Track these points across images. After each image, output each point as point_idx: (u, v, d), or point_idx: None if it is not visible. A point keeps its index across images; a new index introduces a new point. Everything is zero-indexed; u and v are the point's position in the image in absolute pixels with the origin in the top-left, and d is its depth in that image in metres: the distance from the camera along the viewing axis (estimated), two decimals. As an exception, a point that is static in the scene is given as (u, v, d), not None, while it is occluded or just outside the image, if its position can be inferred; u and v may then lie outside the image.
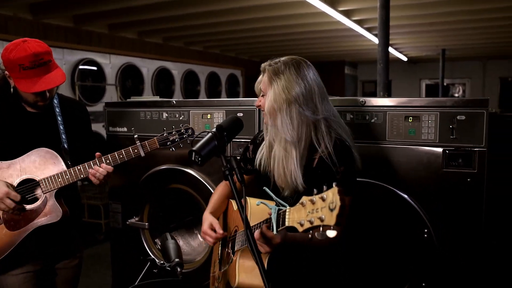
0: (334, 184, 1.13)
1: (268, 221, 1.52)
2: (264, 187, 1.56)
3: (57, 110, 2.30)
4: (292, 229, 1.31)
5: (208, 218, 1.92)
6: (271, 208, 1.41)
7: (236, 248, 1.78)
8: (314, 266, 1.80)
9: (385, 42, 3.99)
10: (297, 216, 1.25)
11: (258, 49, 10.39)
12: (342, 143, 1.70)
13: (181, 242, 2.98)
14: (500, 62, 12.11)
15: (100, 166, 2.16)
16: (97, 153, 2.22)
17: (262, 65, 1.78)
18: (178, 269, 1.47)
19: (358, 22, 6.79)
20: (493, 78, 12.31)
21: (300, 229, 1.22)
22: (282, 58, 1.75)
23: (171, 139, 2.28)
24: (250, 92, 7.23)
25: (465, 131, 2.06)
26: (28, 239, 2.13)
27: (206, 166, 2.57)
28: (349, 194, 1.67)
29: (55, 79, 2.09)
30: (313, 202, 1.18)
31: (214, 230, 1.86)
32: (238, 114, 2.46)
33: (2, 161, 2.13)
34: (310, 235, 1.18)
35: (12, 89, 2.14)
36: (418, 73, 13.02)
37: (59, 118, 2.29)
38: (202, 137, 1.55)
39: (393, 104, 2.21)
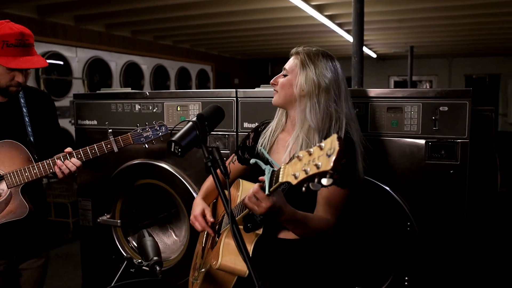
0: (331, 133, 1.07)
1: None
2: (260, 147, 1.51)
3: (22, 101, 2.17)
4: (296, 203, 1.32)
5: (200, 204, 1.88)
6: (264, 168, 1.34)
7: (222, 230, 1.74)
8: (304, 254, 1.74)
9: (360, 35, 3.99)
10: (293, 169, 1.18)
11: (228, 44, 10.30)
12: (348, 139, 1.68)
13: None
14: (465, 60, 12.41)
15: (70, 160, 2.05)
16: (68, 148, 2.11)
17: (294, 49, 1.79)
18: (157, 268, 1.38)
19: (330, 17, 6.78)
20: (458, 75, 12.59)
21: (294, 181, 1.15)
22: (314, 47, 1.78)
23: (144, 135, 2.23)
24: (221, 87, 7.13)
25: (448, 123, 2.03)
26: (-9, 237, 2.00)
27: (181, 160, 2.48)
28: (346, 187, 1.62)
29: (37, 61, 2.02)
30: (310, 154, 1.11)
31: (205, 217, 1.82)
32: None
33: None
34: (304, 188, 1.12)
35: None
36: (386, 69, 13.19)
37: (24, 110, 2.16)
38: (181, 127, 1.46)
39: (375, 95, 2.16)
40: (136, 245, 2.77)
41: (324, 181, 1.05)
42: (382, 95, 2.15)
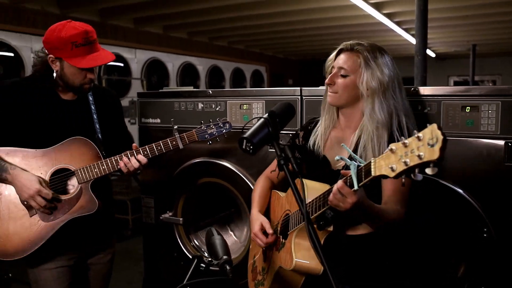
0: (428, 125, 1.06)
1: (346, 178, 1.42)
2: (342, 144, 1.50)
3: (90, 98, 2.23)
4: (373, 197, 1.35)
5: (258, 218, 1.88)
6: (350, 164, 1.33)
7: (290, 230, 1.73)
8: (374, 249, 1.73)
9: (423, 33, 3.84)
10: (386, 163, 1.18)
11: (282, 45, 10.27)
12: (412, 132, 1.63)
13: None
14: (532, 58, 11.74)
15: (136, 157, 2.08)
16: (134, 144, 2.14)
17: (348, 44, 1.76)
18: (227, 267, 1.35)
19: (389, 16, 6.60)
20: (524, 75, 11.94)
21: (392, 174, 1.15)
22: (365, 41, 1.77)
23: (209, 132, 2.22)
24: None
25: (530, 122, 1.89)
26: (62, 232, 2.05)
27: (243, 158, 2.46)
28: None
29: (106, 56, 2.07)
30: (405, 145, 1.10)
31: (264, 232, 1.82)
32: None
33: (37, 150, 2.06)
34: (403, 179, 1.14)
35: (54, 74, 2.06)
36: (446, 69, 12.68)
37: (92, 107, 2.22)
38: (251, 125, 1.43)
39: (448, 92, 2.05)
40: (197, 243, 2.78)
41: (429, 170, 1.05)
42: (457, 93, 2.03)
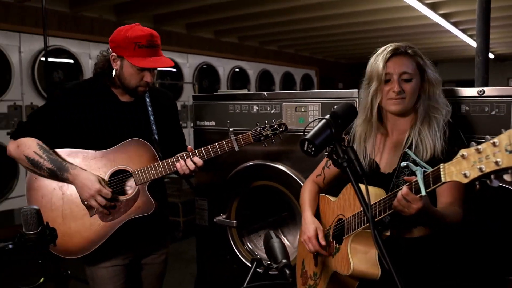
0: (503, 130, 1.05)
1: (410, 184, 1.43)
2: (406, 150, 1.54)
3: (147, 100, 2.26)
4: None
5: (313, 223, 1.88)
6: (415, 170, 1.33)
7: (346, 235, 1.71)
8: (435, 251, 1.72)
9: (485, 32, 3.64)
10: (458, 169, 1.18)
11: (333, 48, 10.16)
12: (452, 126, 1.71)
13: (261, 242, 2.84)
14: None
15: (192, 159, 2.09)
16: (190, 147, 2.15)
17: (400, 47, 1.72)
18: (287, 271, 1.32)
19: (445, 16, 6.37)
20: None
21: (465, 180, 1.15)
22: (403, 43, 1.76)
23: (264, 134, 2.20)
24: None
25: None
26: (119, 232, 2.09)
27: (299, 162, 2.42)
28: None
29: (165, 61, 2.09)
30: (479, 151, 1.10)
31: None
32: (335, 107, 2.28)
33: (96, 151, 2.11)
34: (478, 186, 1.14)
35: (113, 73, 2.11)
36: (506, 71, 12.12)
37: (149, 109, 2.25)
38: (312, 127, 1.40)
39: (518, 93, 1.93)
40: (250, 247, 2.77)
41: (508, 177, 1.05)
42: (528, 94, 1.91)
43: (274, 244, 1.44)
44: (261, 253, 2.75)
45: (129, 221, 2.09)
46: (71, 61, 5.73)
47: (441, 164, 1.25)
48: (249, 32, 7.99)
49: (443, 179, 1.24)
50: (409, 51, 1.71)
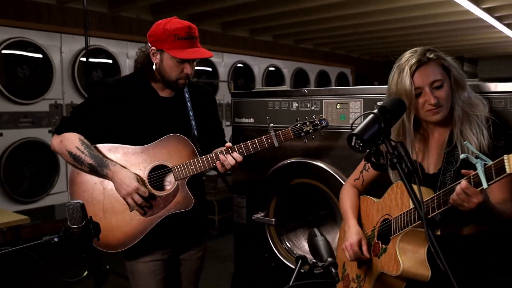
0: None
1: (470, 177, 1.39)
2: (465, 143, 1.54)
3: (187, 95, 2.26)
4: None
5: (358, 233, 1.86)
6: (476, 163, 1.30)
7: (393, 235, 1.68)
8: (483, 248, 1.67)
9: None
10: None
11: (368, 46, 10.00)
12: (493, 120, 1.67)
13: (299, 241, 2.79)
14: None
15: (232, 155, 2.07)
16: (228, 143, 2.13)
17: (422, 57, 1.65)
18: (333, 270, 1.28)
19: (489, 11, 6.16)
20: None
21: None
22: (420, 48, 1.71)
23: (304, 130, 2.16)
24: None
25: None
26: (159, 227, 2.10)
27: (340, 160, 2.37)
28: None
29: (204, 51, 2.10)
30: None
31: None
32: (378, 103, 2.22)
33: (136, 146, 2.12)
34: None
35: (154, 67, 2.12)
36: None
37: (188, 104, 2.24)
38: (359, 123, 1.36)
39: None
40: (289, 245, 2.73)
41: None
42: None
43: (319, 242, 1.40)
44: (300, 252, 2.71)
45: (168, 216, 2.09)
46: (110, 61, 5.83)
47: (504, 155, 1.22)
48: (283, 31, 7.95)
49: (508, 170, 1.21)
50: (431, 56, 1.65)
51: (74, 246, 1.53)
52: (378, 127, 1.29)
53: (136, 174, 2.06)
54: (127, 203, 2.06)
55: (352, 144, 1.30)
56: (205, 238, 2.43)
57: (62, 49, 5.32)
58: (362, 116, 1.38)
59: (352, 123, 1.40)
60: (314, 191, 2.56)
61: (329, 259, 1.32)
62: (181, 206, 2.10)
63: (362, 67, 11.60)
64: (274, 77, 8.48)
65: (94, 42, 5.51)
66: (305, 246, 2.78)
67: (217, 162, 2.08)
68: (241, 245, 2.88)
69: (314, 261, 1.33)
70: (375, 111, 1.34)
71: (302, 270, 1.35)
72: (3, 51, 4.79)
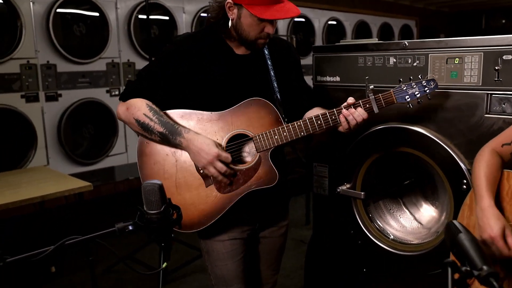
0: None
1: None
2: None
3: (266, 52, 1.94)
4: None
5: (499, 218, 1.41)
6: None
7: None
8: None
9: None
10: None
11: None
12: None
13: (388, 217, 2.46)
14: None
15: (356, 110, 1.78)
16: (350, 98, 1.83)
17: None
18: (494, 283, 0.95)
19: None
20: None
21: None
22: None
23: (409, 92, 1.82)
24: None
25: None
26: (238, 204, 1.83)
27: (447, 126, 2.00)
28: None
29: (290, 9, 1.73)
30: None
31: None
32: (505, 57, 1.80)
33: (212, 112, 1.84)
34: None
35: (230, 23, 1.79)
36: None
37: (268, 62, 1.92)
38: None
39: None
40: (380, 224, 2.40)
41: None
42: None
43: (465, 242, 1.07)
44: (391, 229, 2.38)
45: (249, 193, 1.82)
46: (166, 17, 5.54)
47: None
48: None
49: None
50: None
51: (152, 236, 1.29)
52: None
53: (214, 140, 1.78)
54: (206, 175, 1.80)
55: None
56: (287, 214, 2.16)
57: (117, 4, 5.07)
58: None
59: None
60: (410, 161, 2.21)
61: (485, 267, 1.00)
62: (263, 182, 1.83)
63: (427, 19, 10.76)
64: (334, 31, 7.94)
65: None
66: (391, 221, 2.45)
67: (341, 118, 1.78)
68: (323, 220, 2.58)
69: (468, 268, 1.00)
70: None
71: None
72: (58, 10, 4.60)
